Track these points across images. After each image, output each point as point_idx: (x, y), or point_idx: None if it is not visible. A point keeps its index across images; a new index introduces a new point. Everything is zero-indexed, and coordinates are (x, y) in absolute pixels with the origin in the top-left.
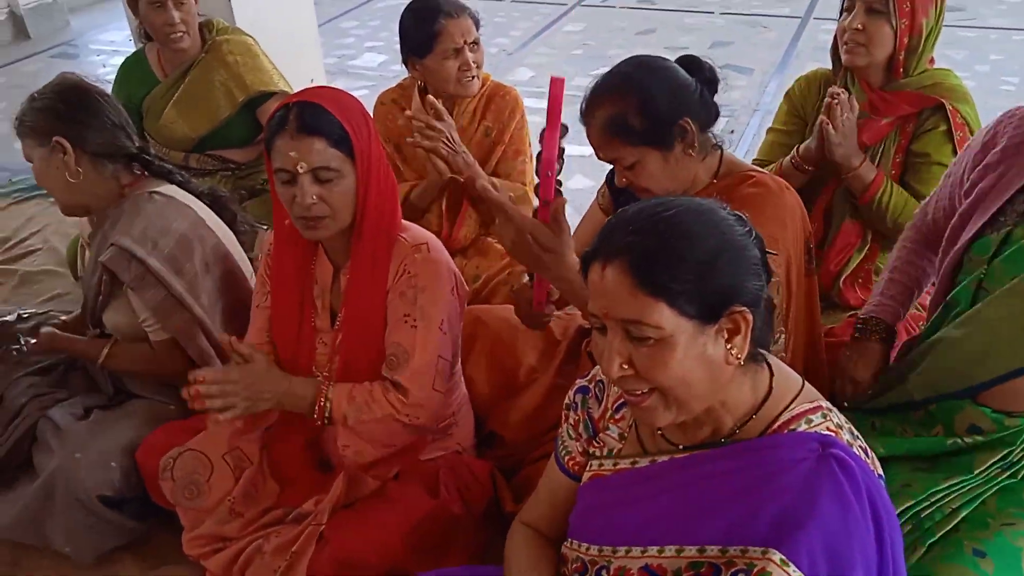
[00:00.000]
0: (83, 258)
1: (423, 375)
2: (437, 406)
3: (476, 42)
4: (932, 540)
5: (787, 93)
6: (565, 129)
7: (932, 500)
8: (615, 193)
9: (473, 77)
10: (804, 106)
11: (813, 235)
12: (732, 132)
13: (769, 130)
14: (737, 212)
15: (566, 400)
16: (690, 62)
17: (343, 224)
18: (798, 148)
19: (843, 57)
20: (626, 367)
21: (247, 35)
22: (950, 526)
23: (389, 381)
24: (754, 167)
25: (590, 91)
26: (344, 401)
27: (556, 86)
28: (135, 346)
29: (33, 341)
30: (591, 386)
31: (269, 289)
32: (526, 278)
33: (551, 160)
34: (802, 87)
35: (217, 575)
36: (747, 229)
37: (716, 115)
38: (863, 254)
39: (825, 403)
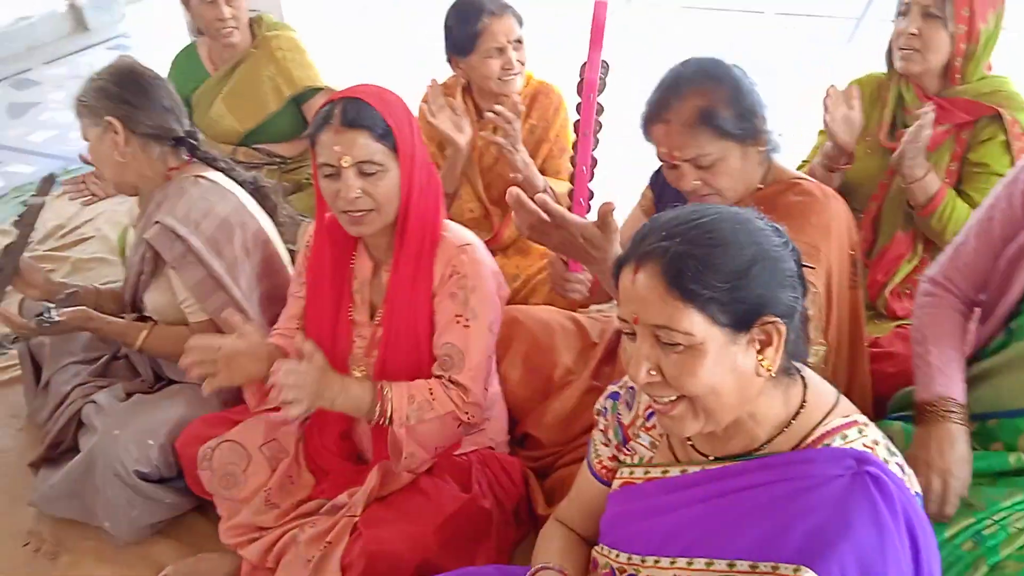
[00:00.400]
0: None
1: (479, 374)
2: (491, 409)
3: (519, 40)
4: (997, 560)
5: None
6: (606, 67)
7: (995, 519)
8: (658, 196)
9: (515, 75)
10: None
11: (863, 244)
12: (781, 135)
13: (820, 132)
14: (775, 223)
15: (597, 405)
16: None
17: (388, 219)
18: (824, 149)
19: (897, 63)
20: (654, 373)
21: (294, 31)
22: (1016, 545)
23: (447, 379)
24: (801, 175)
25: (669, 86)
26: (404, 402)
27: (600, 9)
28: (172, 329)
29: (63, 311)
30: (622, 392)
31: (304, 280)
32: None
33: (593, 81)
34: None
35: (253, 563)
36: (783, 240)
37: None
38: (913, 265)
39: (861, 417)
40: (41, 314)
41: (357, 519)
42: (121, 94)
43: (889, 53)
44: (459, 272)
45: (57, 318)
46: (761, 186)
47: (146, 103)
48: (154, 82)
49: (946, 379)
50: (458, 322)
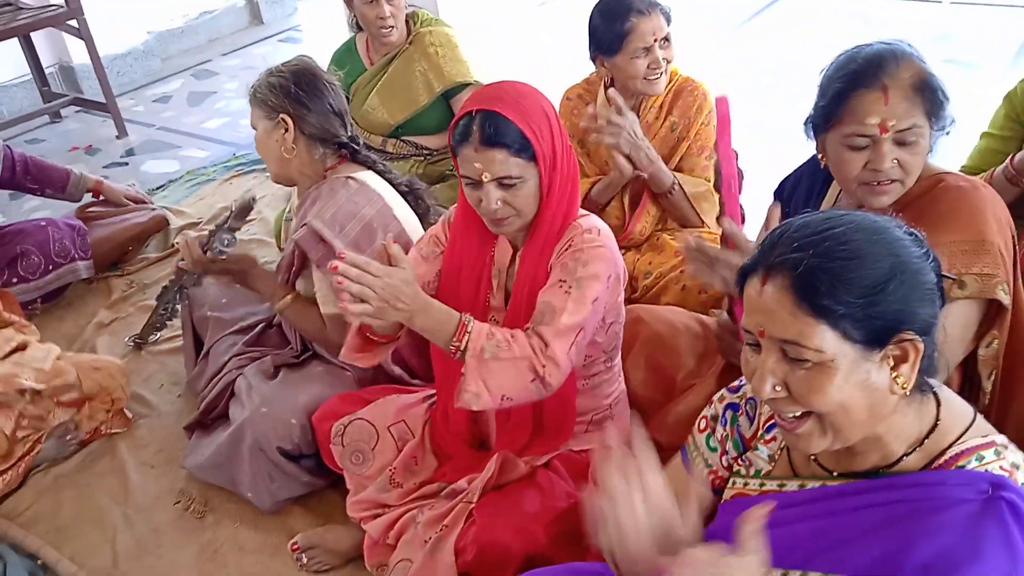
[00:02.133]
0: (286, 230)
1: (566, 336)
2: (565, 374)
3: (667, 38)
4: None
5: (1008, 95)
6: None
7: None
8: (784, 208)
9: (660, 75)
10: None
11: None
12: (948, 134)
13: (983, 134)
14: (913, 231)
15: (711, 411)
16: None
17: (528, 219)
18: (1013, 157)
19: None
20: (779, 389)
21: (448, 26)
22: None
23: (532, 329)
24: (942, 168)
25: (878, 55)
26: (483, 336)
27: (722, 105)
28: (311, 308)
29: (231, 250)
30: (741, 403)
31: (441, 251)
32: (724, 315)
33: (732, 174)
34: None
35: (374, 538)
36: (924, 251)
37: None
38: None
39: (1000, 438)
40: (215, 237)
41: (473, 506)
42: (298, 94)
43: None
44: (574, 246)
45: (228, 248)
46: None
47: (320, 106)
48: (329, 86)
49: None
50: (560, 287)
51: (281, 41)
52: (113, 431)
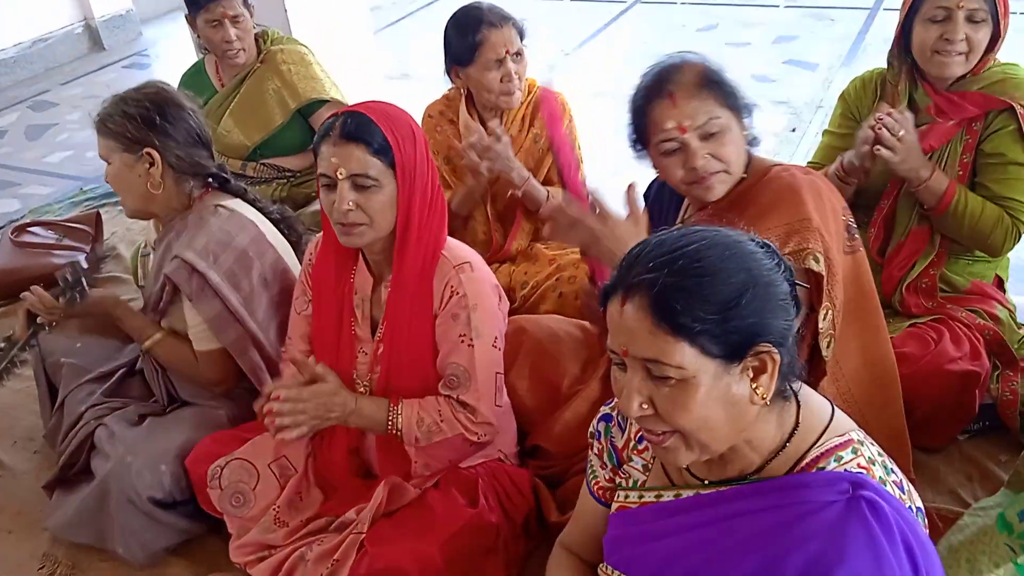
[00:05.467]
0: (143, 266)
1: (487, 392)
2: (501, 421)
3: (519, 52)
4: None
5: (842, 94)
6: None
7: None
8: (652, 209)
9: (515, 89)
10: (859, 108)
11: (875, 240)
12: (794, 131)
13: (825, 132)
14: (766, 242)
15: (591, 428)
16: None
17: (381, 234)
18: (842, 159)
19: (934, 69)
20: (646, 407)
21: (301, 44)
22: None
23: (455, 400)
24: (776, 161)
25: (662, 67)
26: (414, 424)
27: (548, 97)
28: (183, 344)
29: (95, 292)
30: (614, 415)
31: (310, 297)
32: (587, 282)
33: (568, 162)
34: (857, 88)
35: None
36: (776, 261)
37: None
38: (929, 260)
39: (857, 435)
40: (73, 286)
41: (364, 536)
42: (164, 125)
43: (896, 50)
44: (458, 292)
45: (87, 297)
46: (745, 175)
47: (186, 136)
48: (192, 115)
49: None
50: (462, 341)
51: (126, 67)
52: None
